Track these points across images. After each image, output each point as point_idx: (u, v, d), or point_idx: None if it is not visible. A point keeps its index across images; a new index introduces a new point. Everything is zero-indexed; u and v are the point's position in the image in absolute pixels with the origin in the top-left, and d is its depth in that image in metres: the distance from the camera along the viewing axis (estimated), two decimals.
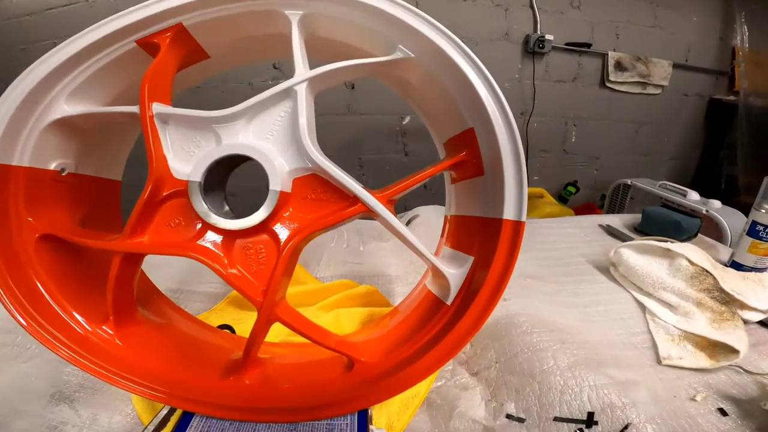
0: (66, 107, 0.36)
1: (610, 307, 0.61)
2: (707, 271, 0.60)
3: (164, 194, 0.34)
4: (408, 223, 0.87)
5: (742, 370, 0.48)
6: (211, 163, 0.32)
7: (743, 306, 0.57)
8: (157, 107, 0.33)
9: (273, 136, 0.34)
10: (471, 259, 0.37)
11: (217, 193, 0.35)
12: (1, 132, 0.34)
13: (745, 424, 0.41)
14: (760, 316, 0.57)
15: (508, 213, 0.33)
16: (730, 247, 0.82)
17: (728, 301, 0.57)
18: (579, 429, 0.40)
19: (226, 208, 0.37)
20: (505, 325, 0.52)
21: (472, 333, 0.35)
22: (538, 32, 1.59)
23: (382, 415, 0.42)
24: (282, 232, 0.33)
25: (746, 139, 1.66)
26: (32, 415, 0.44)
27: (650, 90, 1.80)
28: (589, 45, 1.66)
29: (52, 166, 0.39)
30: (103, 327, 0.39)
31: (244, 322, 0.57)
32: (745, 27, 1.71)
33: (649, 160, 1.98)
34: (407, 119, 1.61)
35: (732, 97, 1.81)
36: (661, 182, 1.27)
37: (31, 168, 0.38)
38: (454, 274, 0.37)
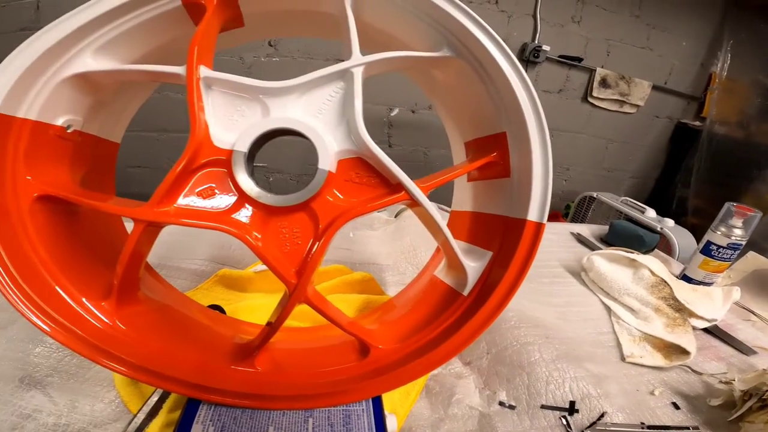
0: (91, 62, 0.35)
1: (581, 308, 0.68)
2: (665, 282, 0.69)
3: (201, 162, 0.34)
4: (397, 215, 0.90)
5: (690, 370, 0.57)
6: (260, 135, 0.33)
7: (692, 314, 0.67)
8: (204, 70, 0.33)
9: (322, 114, 0.35)
10: (489, 254, 0.40)
11: (249, 166, 0.36)
12: (12, 82, 0.32)
13: (694, 417, 0.49)
14: (706, 324, 0.67)
15: (532, 215, 0.37)
16: (677, 261, 0.94)
17: (681, 309, 0.67)
18: (563, 416, 0.46)
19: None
20: (496, 320, 0.57)
21: (488, 323, 0.38)
22: (536, 42, 1.70)
23: (385, 402, 0.45)
24: (323, 213, 0.35)
25: (703, 164, 1.87)
26: None
27: (626, 109, 1.98)
28: (580, 59, 1.80)
29: (60, 122, 0.37)
30: (102, 304, 0.37)
31: (233, 303, 0.57)
32: (729, 55, 1.90)
33: (612, 176, 2.18)
34: (395, 111, 1.67)
35: (698, 123, 2.02)
36: (622, 198, 1.41)
37: (37, 122, 0.36)
38: (474, 267, 0.40)
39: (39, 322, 0.34)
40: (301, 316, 0.56)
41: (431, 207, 0.35)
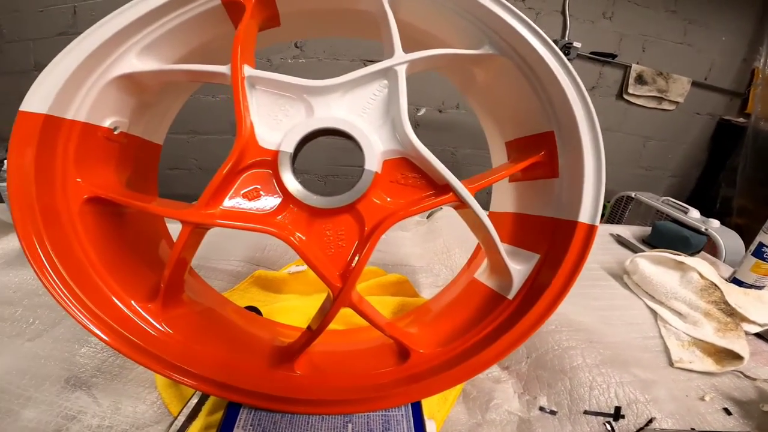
0: (136, 62, 0.35)
1: (625, 312, 0.66)
2: (715, 285, 0.66)
3: (247, 163, 0.34)
4: (429, 216, 0.90)
5: (743, 376, 0.55)
6: (305, 135, 0.33)
7: (744, 319, 0.63)
8: (248, 69, 0.33)
9: (366, 114, 0.34)
10: (537, 257, 0.39)
11: (293, 167, 0.36)
12: (61, 83, 0.33)
13: (746, 423, 0.48)
14: (758, 329, 0.64)
15: (584, 216, 0.36)
16: (724, 263, 0.90)
17: (732, 314, 0.64)
18: (607, 422, 0.45)
19: None
20: None
21: (535, 327, 0.37)
22: (566, 38, 1.67)
23: (423, 406, 0.44)
24: (368, 214, 0.34)
25: (749, 162, 1.79)
26: (44, 403, 0.42)
27: (665, 105, 1.92)
28: (614, 56, 1.76)
29: (107, 124, 0.38)
30: (149, 306, 0.38)
31: (269, 304, 0.57)
32: None
33: (651, 175, 2.12)
34: (422, 111, 1.67)
35: (742, 120, 1.94)
36: (663, 198, 1.36)
37: (86, 124, 0.36)
38: (519, 270, 0.39)
39: (96, 329, 0.34)
40: (335, 318, 0.56)
41: (479, 209, 0.34)
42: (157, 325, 0.38)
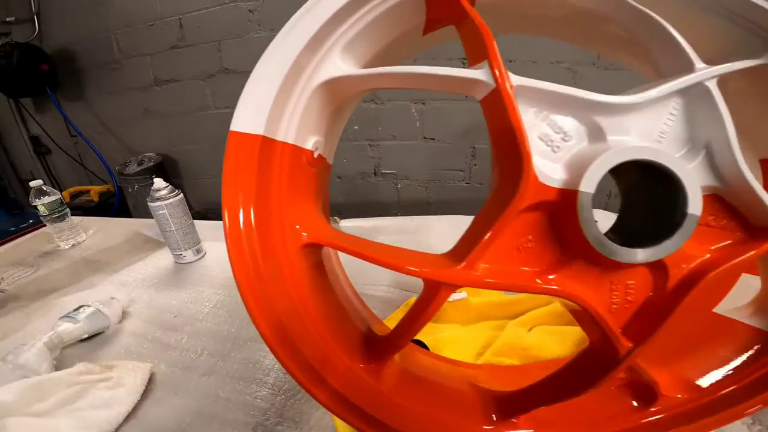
0: (340, 63, 0.30)
1: None
2: None
3: (523, 207, 0.27)
4: None
5: None
6: (609, 170, 0.25)
7: None
8: (515, 78, 0.26)
9: (665, 140, 0.27)
10: None
11: None
12: (274, 94, 0.28)
13: None
14: None
15: None
16: None
17: None
18: None
19: None
20: None
21: None
22: None
23: None
24: (675, 267, 0.28)
25: None
26: None
27: None
28: None
29: (310, 145, 0.33)
30: (371, 366, 0.33)
31: (429, 335, 0.53)
32: None
33: None
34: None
35: None
36: None
37: (295, 146, 0.31)
38: None
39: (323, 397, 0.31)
40: (508, 351, 0.51)
41: None
42: (379, 387, 0.33)
